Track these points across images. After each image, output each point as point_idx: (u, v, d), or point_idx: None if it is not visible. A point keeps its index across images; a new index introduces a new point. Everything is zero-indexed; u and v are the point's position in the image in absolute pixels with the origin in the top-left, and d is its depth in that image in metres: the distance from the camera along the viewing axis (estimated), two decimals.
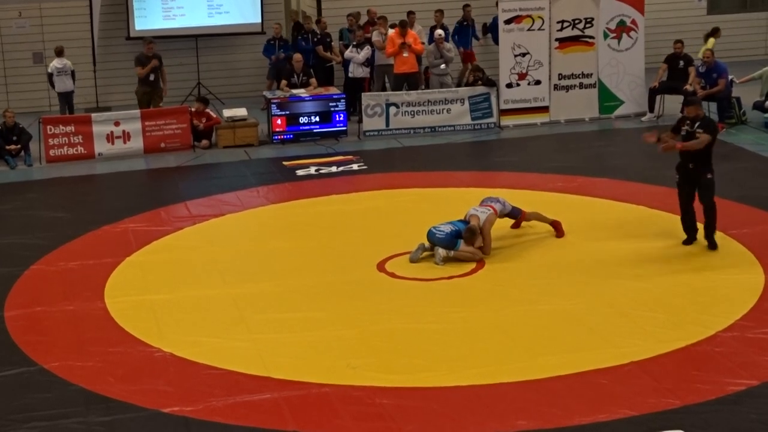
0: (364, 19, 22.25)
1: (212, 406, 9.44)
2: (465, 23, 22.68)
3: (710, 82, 19.25)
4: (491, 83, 20.16)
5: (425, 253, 12.92)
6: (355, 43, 20.82)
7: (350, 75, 20.85)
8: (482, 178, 16.60)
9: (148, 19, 22.37)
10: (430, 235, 12.92)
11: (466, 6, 22.66)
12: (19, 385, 10.02)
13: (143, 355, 10.61)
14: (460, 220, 13.06)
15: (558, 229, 13.62)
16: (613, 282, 12.01)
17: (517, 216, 13.54)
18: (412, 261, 12.82)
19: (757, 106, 19.56)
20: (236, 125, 19.45)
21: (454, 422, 9.04)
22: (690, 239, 13.05)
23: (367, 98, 19.78)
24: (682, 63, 19.84)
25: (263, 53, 21.91)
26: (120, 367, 10.33)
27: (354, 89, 20.58)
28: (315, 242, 13.81)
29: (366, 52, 20.61)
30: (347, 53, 20.82)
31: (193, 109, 19.41)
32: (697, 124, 12.59)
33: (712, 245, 12.82)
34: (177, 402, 9.53)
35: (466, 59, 22.60)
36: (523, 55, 20.18)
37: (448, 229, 12.87)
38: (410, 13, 21.71)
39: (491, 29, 23.31)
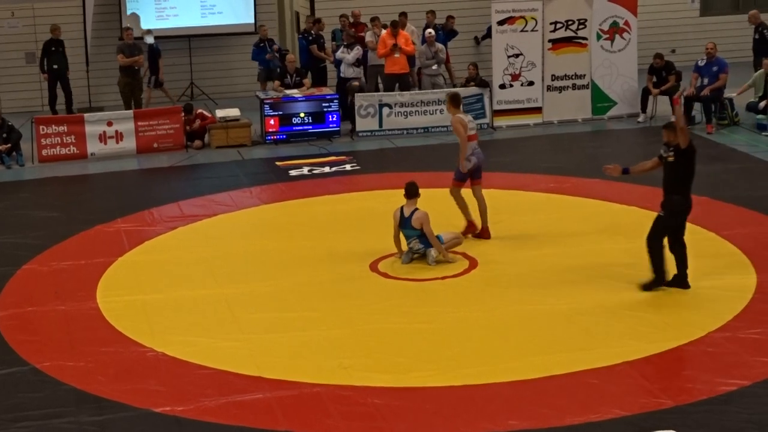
0: (351, 21, 22.23)
1: (204, 405, 9.44)
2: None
3: (709, 75, 19.26)
4: (484, 84, 20.17)
5: (416, 255, 12.92)
6: (345, 43, 20.81)
7: (341, 75, 20.83)
8: None
9: (141, 19, 22.35)
10: (415, 252, 12.90)
11: (428, 12, 22.49)
12: (11, 385, 10.01)
13: (135, 354, 10.60)
14: (406, 225, 12.89)
15: (470, 228, 13.58)
16: (606, 282, 12.02)
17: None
18: (404, 263, 12.83)
19: (751, 108, 19.60)
20: (229, 125, 19.44)
21: (446, 422, 9.04)
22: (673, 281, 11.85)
23: (361, 99, 19.78)
24: (664, 74, 19.92)
25: (253, 58, 21.79)
26: (112, 366, 10.32)
27: (344, 89, 20.56)
28: (308, 242, 13.80)
29: (356, 52, 20.60)
30: (338, 54, 20.82)
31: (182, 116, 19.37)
32: (671, 149, 11.64)
33: (646, 285, 11.74)
34: (169, 402, 9.52)
35: None
36: (516, 56, 20.20)
37: (419, 243, 12.78)
38: (402, 15, 21.69)
39: (485, 38, 23.35)
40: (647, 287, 11.72)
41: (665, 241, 11.71)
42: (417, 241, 12.83)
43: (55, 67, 21.10)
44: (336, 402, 9.43)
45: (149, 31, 21.68)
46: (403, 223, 12.85)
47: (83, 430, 9.14)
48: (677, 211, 11.66)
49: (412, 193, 12.87)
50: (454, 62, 22.83)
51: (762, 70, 19.67)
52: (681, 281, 11.77)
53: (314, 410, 9.32)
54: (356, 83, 20.17)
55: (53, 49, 21.14)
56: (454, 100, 13.69)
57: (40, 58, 21.21)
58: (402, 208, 12.90)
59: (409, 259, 12.84)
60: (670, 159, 11.61)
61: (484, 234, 13.55)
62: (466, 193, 13.66)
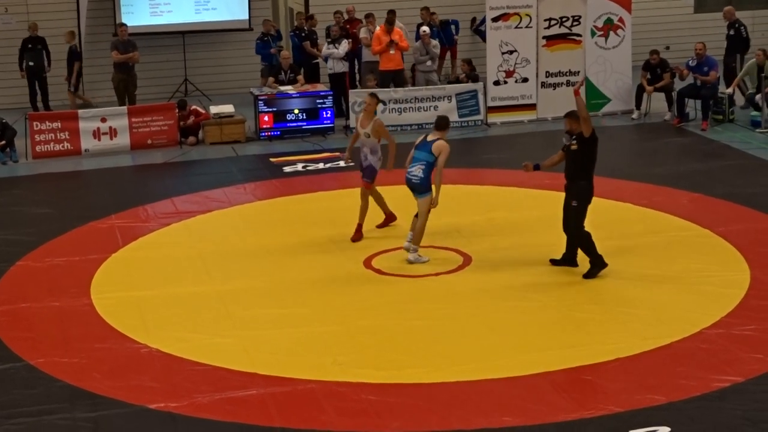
0: (345, 17, 22.18)
1: (198, 402, 9.44)
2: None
3: (701, 75, 19.28)
4: (475, 78, 20.19)
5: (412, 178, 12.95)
6: (330, 39, 20.78)
7: (329, 70, 20.79)
8: (469, 176, 16.61)
9: (135, 15, 22.32)
10: (408, 181, 12.95)
11: (422, 9, 22.46)
12: (5, 381, 10.01)
13: (129, 351, 10.60)
14: (423, 147, 12.94)
15: (387, 220, 13.90)
16: (599, 279, 12.03)
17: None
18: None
19: (750, 100, 19.60)
20: (223, 122, 19.44)
21: (440, 418, 9.05)
22: (561, 261, 12.38)
23: (354, 95, 19.77)
24: (659, 71, 19.93)
25: (257, 52, 21.69)
26: (106, 363, 10.32)
27: (336, 85, 20.54)
28: (301, 239, 13.80)
29: (344, 46, 20.56)
30: (324, 50, 20.78)
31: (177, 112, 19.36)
32: (573, 137, 12.09)
33: (587, 274, 12.05)
34: (163, 398, 9.53)
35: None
36: (511, 52, 20.21)
37: (420, 172, 12.80)
38: (390, 12, 21.64)
39: (477, 31, 23.35)
40: (589, 275, 11.99)
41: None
42: (420, 168, 12.80)
43: (31, 64, 21.03)
44: (330, 398, 9.44)
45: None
46: (421, 145, 12.97)
47: (77, 426, 9.14)
48: (587, 196, 12.04)
49: (441, 125, 13.03)
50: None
51: (753, 60, 19.74)
52: (573, 262, 12.28)
53: (308, 406, 9.33)
54: (373, 81, 20.06)
55: (29, 46, 21.08)
56: (380, 101, 13.91)
57: (19, 55, 21.18)
58: (426, 134, 13.12)
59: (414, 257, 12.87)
60: (574, 147, 12.05)
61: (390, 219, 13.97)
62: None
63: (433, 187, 12.77)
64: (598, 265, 12.02)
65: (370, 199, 13.85)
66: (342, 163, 17.55)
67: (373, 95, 14.03)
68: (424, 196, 12.82)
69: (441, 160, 12.76)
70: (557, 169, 16.57)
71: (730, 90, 19.69)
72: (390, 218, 14.04)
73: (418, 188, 12.82)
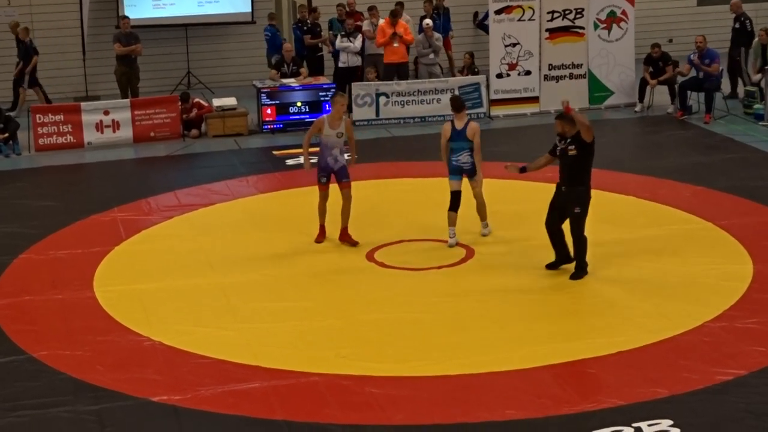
0: (347, 10, 22.16)
1: (201, 394, 9.45)
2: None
3: (702, 70, 19.30)
4: (477, 72, 20.22)
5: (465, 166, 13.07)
6: (343, 33, 20.76)
7: (342, 64, 20.75)
8: None
9: (137, 8, 22.31)
10: (458, 169, 13.05)
11: (426, 2, 22.42)
12: (8, 374, 10.02)
13: (132, 344, 10.60)
14: (459, 137, 13.02)
15: (343, 237, 13.40)
16: (601, 272, 12.03)
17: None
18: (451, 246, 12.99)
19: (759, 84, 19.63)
20: (226, 114, 19.43)
21: (443, 411, 9.05)
22: (557, 262, 12.12)
23: (357, 88, 19.76)
24: (661, 64, 19.91)
25: (269, 42, 21.62)
26: (109, 355, 10.33)
27: (347, 78, 20.52)
28: (304, 232, 13.78)
29: (360, 40, 20.56)
30: (338, 44, 20.74)
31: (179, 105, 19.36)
32: (567, 141, 11.80)
33: (574, 275, 11.85)
34: (166, 391, 9.53)
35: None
36: (514, 45, 20.19)
37: (469, 158, 13.01)
38: (398, 5, 21.65)
39: (481, 25, 23.33)
40: (576, 277, 11.85)
41: (560, 228, 12.06)
42: (467, 155, 12.96)
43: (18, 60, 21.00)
44: (333, 391, 9.44)
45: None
46: (455, 136, 13.01)
47: (80, 419, 9.15)
48: (586, 201, 11.85)
49: (459, 106, 13.08)
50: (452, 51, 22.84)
51: (757, 40, 19.75)
52: (569, 258, 12.05)
53: (311, 399, 9.33)
54: (373, 74, 20.08)
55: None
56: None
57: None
58: (452, 121, 13.07)
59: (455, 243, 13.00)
60: (573, 153, 11.75)
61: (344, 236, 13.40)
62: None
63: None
64: (584, 269, 11.93)
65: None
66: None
67: (343, 95, 13.83)
68: (476, 178, 13.08)
69: (477, 141, 12.95)
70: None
71: (756, 78, 19.67)
72: (323, 233, 13.45)
73: (471, 173, 13.04)
